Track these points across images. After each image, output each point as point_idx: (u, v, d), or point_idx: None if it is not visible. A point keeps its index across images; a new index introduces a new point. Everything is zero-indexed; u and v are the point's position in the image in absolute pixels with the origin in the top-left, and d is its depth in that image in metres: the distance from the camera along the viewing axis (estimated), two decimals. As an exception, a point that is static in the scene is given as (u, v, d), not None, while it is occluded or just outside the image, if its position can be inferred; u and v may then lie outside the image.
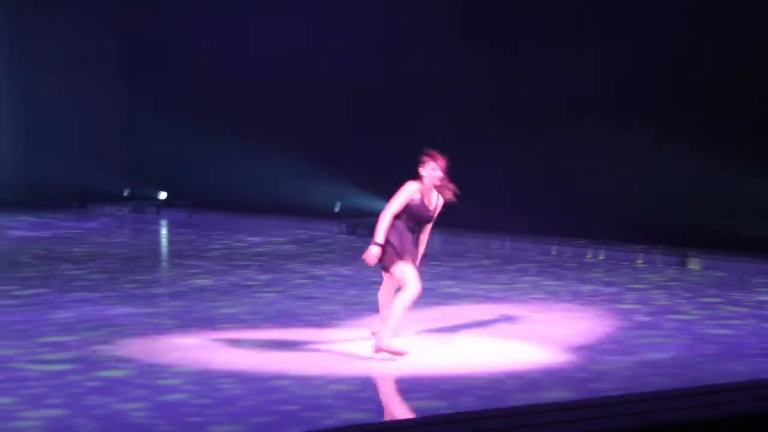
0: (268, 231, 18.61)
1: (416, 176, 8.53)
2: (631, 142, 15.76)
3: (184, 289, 12.22)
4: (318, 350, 8.87)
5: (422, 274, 8.55)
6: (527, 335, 9.53)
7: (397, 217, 8.45)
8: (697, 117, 15.05)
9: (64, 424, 6.57)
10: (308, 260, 14.79)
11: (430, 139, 9.17)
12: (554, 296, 11.75)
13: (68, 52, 25.70)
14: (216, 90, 22.56)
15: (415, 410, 7.19)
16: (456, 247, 16.01)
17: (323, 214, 18.79)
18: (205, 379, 7.75)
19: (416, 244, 8.59)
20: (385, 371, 8.19)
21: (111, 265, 14.33)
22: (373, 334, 8.70)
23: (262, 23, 21.73)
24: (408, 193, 8.44)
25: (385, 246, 8.38)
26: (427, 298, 9.64)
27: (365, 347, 8.55)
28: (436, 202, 8.59)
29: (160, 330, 9.66)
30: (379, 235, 8.36)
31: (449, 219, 9.21)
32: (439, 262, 14.02)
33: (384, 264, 8.43)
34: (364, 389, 7.85)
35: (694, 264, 14.05)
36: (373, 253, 8.37)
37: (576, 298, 11.68)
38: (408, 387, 7.93)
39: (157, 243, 18.89)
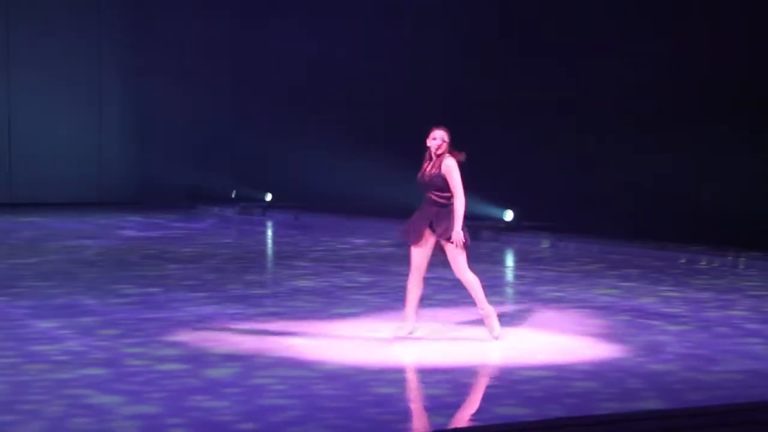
0: (372, 233, 18.67)
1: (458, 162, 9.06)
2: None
3: (288, 290, 12.33)
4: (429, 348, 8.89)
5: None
6: (628, 341, 9.41)
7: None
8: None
9: (159, 424, 6.62)
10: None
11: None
12: (666, 303, 11.57)
13: (182, 55, 26.14)
14: (324, 94, 22.75)
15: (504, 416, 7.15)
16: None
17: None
18: (310, 379, 7.80)
19: (426, 215, 9.01)
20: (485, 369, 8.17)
21: (218, 266, 14.54)
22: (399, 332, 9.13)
23: (358, 24, 21.87)
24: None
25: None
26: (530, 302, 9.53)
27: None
28: (431, 168, 9.02)
29: (265, 329, 9.74)
30: None
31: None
32: (545, 266, 13.90)
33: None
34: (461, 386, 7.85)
35: None
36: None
37: (689, 305, 11.49)
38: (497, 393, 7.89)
39: (264, 244, 19.09)
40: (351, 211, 20.70)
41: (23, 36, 25.28)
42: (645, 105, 17.07)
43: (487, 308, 9.15)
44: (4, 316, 10.42)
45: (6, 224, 20.68)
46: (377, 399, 7.22)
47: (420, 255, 9.10)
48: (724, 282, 13.15)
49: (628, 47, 17.27)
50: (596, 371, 8.10)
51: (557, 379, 7.86)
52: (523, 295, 12.13)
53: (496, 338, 9.11)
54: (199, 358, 8.46)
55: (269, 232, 20.73)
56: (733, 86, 15.91)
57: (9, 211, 23.09)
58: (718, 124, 16.20)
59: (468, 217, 9.10)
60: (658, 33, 17.00)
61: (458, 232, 8.90)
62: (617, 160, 17.37)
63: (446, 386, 7.66)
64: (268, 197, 24.64)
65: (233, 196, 25.12)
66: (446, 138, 9.03)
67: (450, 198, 8.97)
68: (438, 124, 9.14)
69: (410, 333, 9.22)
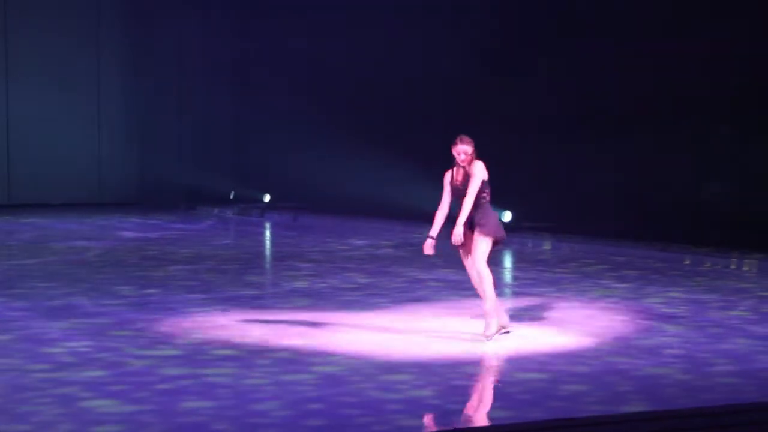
0: (372, 234, 18.66)
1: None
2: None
3: (286, 291, 12.32)
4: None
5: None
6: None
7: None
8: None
9: (156, 425, 6.62)
10: (413, 264, 14.77)
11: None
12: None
13: (182, 55, 26.13)
14: (324, 95, 22.76)
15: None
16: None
17: (429, 217, 18.77)
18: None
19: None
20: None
21: (216, 266, 14.52)
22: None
23: (358, 24, 21.87)
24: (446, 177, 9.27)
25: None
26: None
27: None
28: (462, 176, 9.14)
29: (264, 330, 9.73)
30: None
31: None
32: (544, 267, 13.88)
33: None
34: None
35: None
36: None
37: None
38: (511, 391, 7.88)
39: (262, 245, 19.07)
40: (350, 212, 20.68)
41: (23, 36, 25.26)
42: (645, 105, 17.06)
43: (490, 307, 9.13)
44: (3, 317, 10.41)
45: (5, 225, 20.67)
46: (361, 401, 7.20)
47: (467, 255, 9.25)
48: (725, 282, 13.13)
49: (628, 47, 17.27)
50: (590, 373, 8.05)
51: (548, 381, 7.83)
52: (521, 296, 12.11)
53: (488, 338, 9.17)
54: (197, 359, 8.44)
55: (268, 233, 20.72)
56: (733, 86, 15.90)
57: (8, 212, 23.08)
58: (718, 124, 16.19)
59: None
60: (658, 33, 16.99)
61: (459, 226, 9.04)
62: (617, 160, 17.36)
63: (434, 388, 7.61)
64: (267, 198, 24.63)
65: (232, 197, 25.11)
66: (469, 151, 9.12)
67: (485, 196, 9.11)
68: (459, 132, 9.17)
69: (503, 329, 9.28)
